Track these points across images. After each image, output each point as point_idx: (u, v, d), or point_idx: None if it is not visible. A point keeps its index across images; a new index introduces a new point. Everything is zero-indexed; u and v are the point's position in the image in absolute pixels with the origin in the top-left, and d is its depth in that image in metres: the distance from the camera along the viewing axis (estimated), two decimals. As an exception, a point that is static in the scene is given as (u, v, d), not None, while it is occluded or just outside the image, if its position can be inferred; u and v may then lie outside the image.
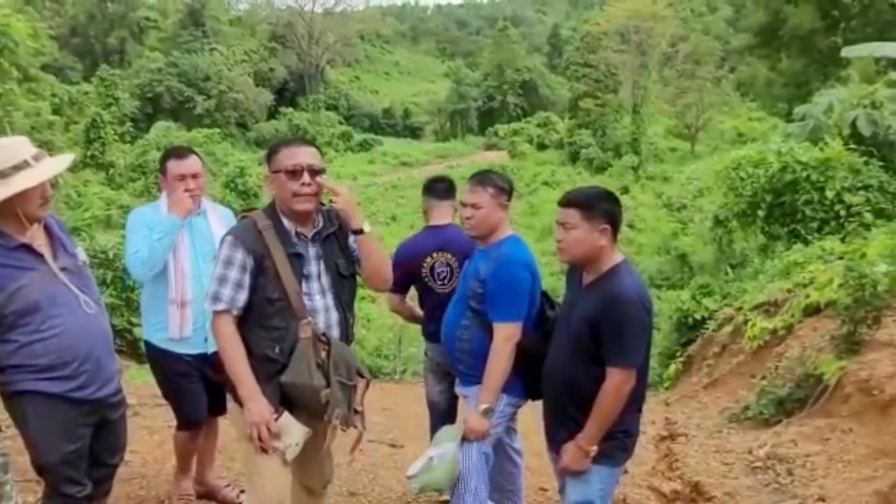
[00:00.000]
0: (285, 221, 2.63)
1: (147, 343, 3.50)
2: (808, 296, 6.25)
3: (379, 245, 2.84)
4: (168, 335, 3.35)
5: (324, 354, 2.59)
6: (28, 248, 2.52)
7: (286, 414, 2.57)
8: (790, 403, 5.21)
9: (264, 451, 2.56)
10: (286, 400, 2.58)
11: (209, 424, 3.72)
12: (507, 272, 2.99)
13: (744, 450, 4.83)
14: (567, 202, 2.70)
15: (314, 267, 2.67)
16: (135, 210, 3.59)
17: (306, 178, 2.58)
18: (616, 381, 2.58)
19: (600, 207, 2.65)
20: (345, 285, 2.75)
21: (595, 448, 2.66)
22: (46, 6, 59.04)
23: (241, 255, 2.53)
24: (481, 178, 3.16)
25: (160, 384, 3.58)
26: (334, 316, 2.68)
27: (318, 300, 2.65)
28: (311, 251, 2.67)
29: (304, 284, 2.62)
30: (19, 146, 2.53)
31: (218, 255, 2.58)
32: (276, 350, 2.56)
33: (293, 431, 2.58)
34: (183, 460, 3.72)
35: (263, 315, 2.56)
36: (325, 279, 2.68)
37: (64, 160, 2.67)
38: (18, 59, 9.71)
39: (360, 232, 2.72)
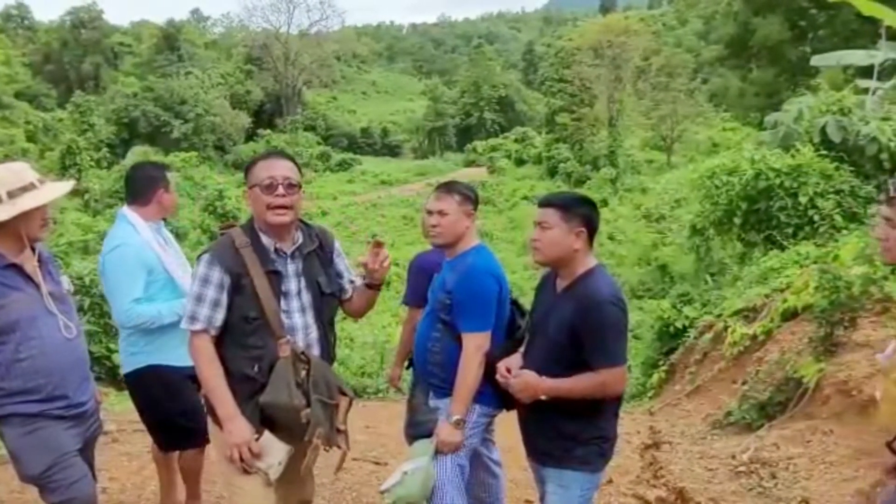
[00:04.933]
0: (263, 238, 2.61)
1: (160, 367, 3.35)
2: (785, 300, 6.30)
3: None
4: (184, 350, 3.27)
5: (304, 373, 2.57)
6: (18, 269, 2.61)
7: (267, 433, 2.54)
8: (772, 407, 5.25)
9: (246, 471, 2.52)
10: (266, 420, 2.55)
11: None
12: (473, 282, 2.99)
13: (727, 455, 4.85)
14: (546, 202, 2.73)
15: (293, 284, 2.65)
16: (119, 245, 3.34)
17: (281, 190, 2.56)
18: (607, 380, 2.58)
19: (578, 210, 2.68)
20: (325, 303, 2.73)
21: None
22: (19, 34, 58.82)
23: (218, 274, 2.51)
24: (448, 186, 3.19)
25: (176, 405, 3.41)
26: (314, 334, 2.66)
27: (298, 318, 2.63)
28: (291, 268, 2.65)
29: (282, 302, 2.59)
30: (26, 170, 2.67)
31: (195, 273, 2.56)
32: (255, 369, 2.53)
33: (275, 450, 2.55)
34: (196, 483, 3.65)
35: (241, 334, 2.54)
36: (305, 297, 2.66)
37: (65, 185, 2.83)
38: (-10, 86, 9.61)
39: (377, 287, 2.84)
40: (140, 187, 3.46)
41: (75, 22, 59.87)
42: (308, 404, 2.55)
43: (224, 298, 2.52)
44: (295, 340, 2.58)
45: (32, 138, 34.68)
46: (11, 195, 2.55)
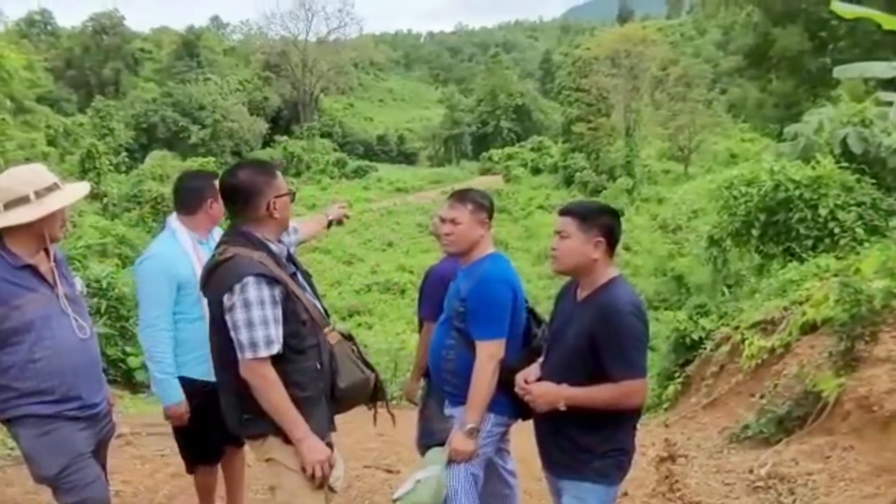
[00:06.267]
0: (272, 246, 2.62)
1: (185, 379, 3.28)
2: (804, 313, 6.22)
3: None
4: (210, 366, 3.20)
5: (354, 348, 2.74)
6: (33, 270, 2.62)
7: (335, 449, 2.63)
8: (790, 422, 5.17)
9: (320, 486, 2.58)
10: (340, 404, 2.69)
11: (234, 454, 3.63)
12: (487, 289, 2.97)
13: (744, 469, 4.79)
14: (565, 211, 2.73)
15: (300, 278, 2.72)
16: (148, 257, 3.31)
17: None
18: (627, 391, 2.55)
19: (597, 220, 2.66)
20: (313, 283, 2.83)
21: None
22: (42, 39, 59.57)
23: (269, 291, 2.47)
24: (461, 194, 3.16)
25: (196, 418, 3.34)
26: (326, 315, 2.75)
27: (319, 305, 2.70)
28: (290, 265, 2.71)
29: (308, 296, 2.69)
30: (46, 171, 2.69)
31: (246, 299, 2.44)
32: (318, 366, 2.58)
33: (340, 465, 2.66)
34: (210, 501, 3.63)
35: (299, 339, 2.55)
36: (307, 286, 2.73)
37: (85, 186, 2.87)
38: (12, 90, 9.74)
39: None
40: (188, 197, 3.40)
41: (97, 28, 60.53)
42: (372, 370, 2.76)
43: (280, 313, 2.50)
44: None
45: (53, 142, 35.06)
46: (39, 195, 2.57)
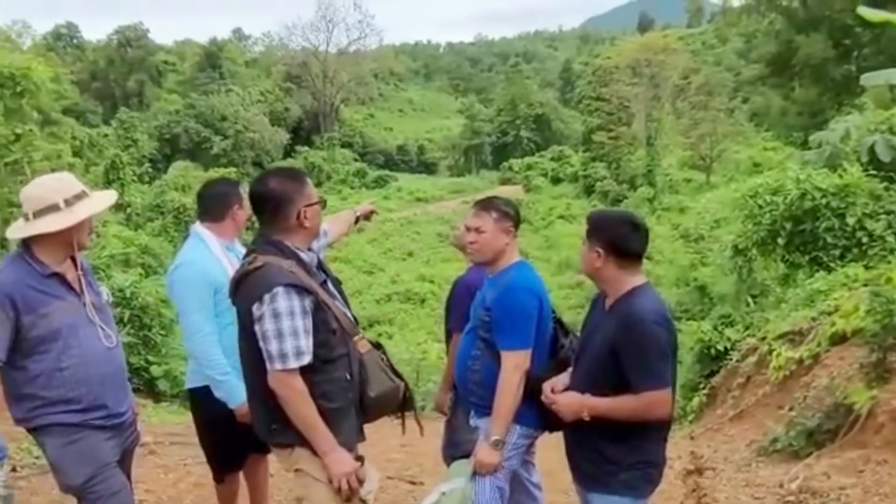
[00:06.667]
0: (302, 254, 2.58)
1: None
2: (833, 324, 6.10)
3: None
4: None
5: (384, 356, 2.70)
6: (60, 278, 2.62)
7: (365, 461, 2.59)
8: (820, 435, 5.05)
9: (349, 499, 2.54)
10: (369, 414, 2.64)
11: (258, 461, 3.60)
12: (512, 298, 2.93)
13: (774, 483, 4.68)
14: (586, 219, 2.77)
15: (331, 286, 2.68)
16: (182, 264, 3.30)
17: None
18: (650, 402, 2.51)
19: (598, 233, 2.66)
20: (342, 291, 2.80)
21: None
22: (68, 52, 60.59)
23: (299, 301, 2.44)
24: (486, 203, 3.13)
25: (218, 429, 3.37)
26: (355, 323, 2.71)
27: (349, 314, 2.67)
28: (321, 273, 2.68)
29: (339, 305, 2.66)
30: (74, 180, 2.69)
31: (275, 309, 2.41)
32: (348, 376, 2.54)
33: (371, 477, 2.62)
34: None
35: (329, 348, 2.51)
36: (336, 294, 2.70)
37: (112, 194, 2.87)
38: (39, 102, 9.89)
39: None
40: (214, 204, 3.40)
41: (122, 41, 61.51)
42: (402, 379, 2.72)
43: (310, 323, 2.47)
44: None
45: (78, 153, 35.55)
46: (68, 203, 2.57)
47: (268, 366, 2.45)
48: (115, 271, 11.70)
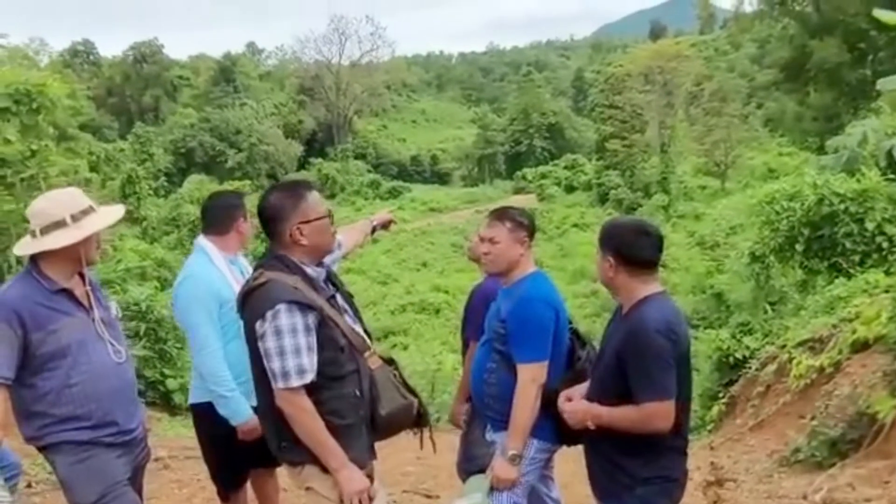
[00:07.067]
0: (308, 270, 2.54)
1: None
2: (854, 331, 6.00)
3: None
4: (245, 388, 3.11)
5: (396, 373, 2.65)
6: (68, 294, 2.61)
7: (376, 479, 2.56)
8: (844, 444, 4.95)
9: None
10: (382, 432, 2.60)
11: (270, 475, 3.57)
12: (527, 310, 2.88)
13: (798, 495, 4.59)
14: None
15: (340, 300, 2.64)
16: (187, 277, 3.27)
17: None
18: (650, 414, 2.46)
19: (609, 242, 2.63)
20: (354, 303, 2.76)
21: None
22: (85, 69, 61.35)
23: (302, 318, 2.40)
24: (499, 213, 3.09)
25: (221, 446, 3.33)
26: (367, 338, 2.66)
27: (358, 328, 2.63)
28: (330, 287, 2.64)
29: (347, 320, 2.61)
30: (81, 195, 2.68)
31: (277, 326, 2.38)
32: (357, 393, 2.50)
33: (381, 495, 2.60)
34: None
35: (336, 366, 2.47)
36: (348, 308, 2.67)
37: (119, 209, 2.85)
38: (56, 118, 9.98)
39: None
40: (218, 217, 3.36)
41: (137, 56, 62.23)
42: (415, 395, 2.67)
43: (314, 340, 2.42)
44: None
45: (95, 168, 35.88)
46: (74, 218, 2.56)
47: (272, 384, 2.42)
48: (131, 285, 11.73)
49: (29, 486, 4.54)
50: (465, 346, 3.73)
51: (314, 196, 2.58)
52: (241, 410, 3.13)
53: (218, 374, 3.15)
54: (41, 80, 8.94)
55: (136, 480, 2.80)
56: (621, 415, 2.52)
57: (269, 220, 2.54)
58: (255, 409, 3.03)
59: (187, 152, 51.32)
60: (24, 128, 8.48)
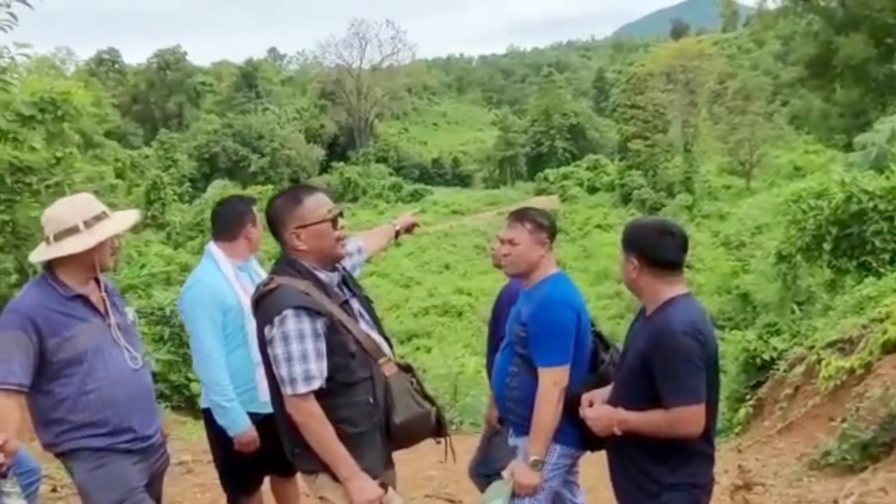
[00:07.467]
0: (320, 274, 2.50)
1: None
2: (885, 331, 5.88)
3: None
4: (262, 398, 3.03)
5: (413, 380, 2.58)
6: (84, 300, 2.61)
7: (390, 488, 2.51)
8: (875, 448, 4.84)
9: None
10: (398, 441, 2.54)
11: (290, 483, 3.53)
12: (549, 313, 2.82)
13: (828, 500, 4.49)
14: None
15: (356, 305, 2.60)
16: (193, 284, 3.27)
17: (342, 221, 2.54)
18: (679, 418, 2.40)
19: (631, 243, 2.58)
20: (373, 308, 2.70)
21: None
22: (110, 77, 62.21)
23: (310, 324, 2.36)
24: (519, 214, 3.03)
25: (226, 451, 3.30)
26: (384, 344, 2.61)
27: (374, 335, 2.58)
28: (346, 292, 2.60)
29: (362, 325, 2.56)
30: (94, 200, 2.68)
31: (284, 332, 2.35)
32: (371, 400, 2.45)
33: (395, 503, 2.54)
34: None
35: (348, 372, 2.43)
36: (364, 313, 2.62)
37: (133, 214, 2.85)
38: (81, 126, 10.09)
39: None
40: (226, 222, 3.33)
41: (161, 64, 63.03)
42: (433, 404, 2.58)
43: (323, 346, 2.39)
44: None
45: (121, 175, 36.31)
46: (88, 224, 2.56)
47: (282, 390, 2.39)
48: (155, 290, 11.84)
49: (54, 490, 4.58)
50: (497, 346, 3.68)
51: (314, 200, 2.52)
52: (238, 421, 3.12)
53: (219, 383, 3.14)
54: (66, 89, 9.05)
55: (154, 487, 2.79)
56: (648, 419, 2.47)
57: (271, 225, 2.54)
58: (255, 415, 3.08)
59: (211, 158, 51.83)
60: (50, 135, 8.57)
